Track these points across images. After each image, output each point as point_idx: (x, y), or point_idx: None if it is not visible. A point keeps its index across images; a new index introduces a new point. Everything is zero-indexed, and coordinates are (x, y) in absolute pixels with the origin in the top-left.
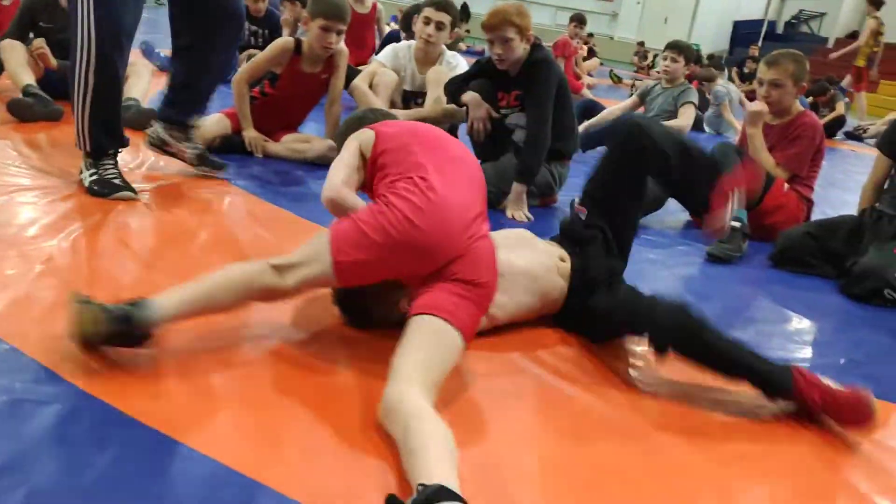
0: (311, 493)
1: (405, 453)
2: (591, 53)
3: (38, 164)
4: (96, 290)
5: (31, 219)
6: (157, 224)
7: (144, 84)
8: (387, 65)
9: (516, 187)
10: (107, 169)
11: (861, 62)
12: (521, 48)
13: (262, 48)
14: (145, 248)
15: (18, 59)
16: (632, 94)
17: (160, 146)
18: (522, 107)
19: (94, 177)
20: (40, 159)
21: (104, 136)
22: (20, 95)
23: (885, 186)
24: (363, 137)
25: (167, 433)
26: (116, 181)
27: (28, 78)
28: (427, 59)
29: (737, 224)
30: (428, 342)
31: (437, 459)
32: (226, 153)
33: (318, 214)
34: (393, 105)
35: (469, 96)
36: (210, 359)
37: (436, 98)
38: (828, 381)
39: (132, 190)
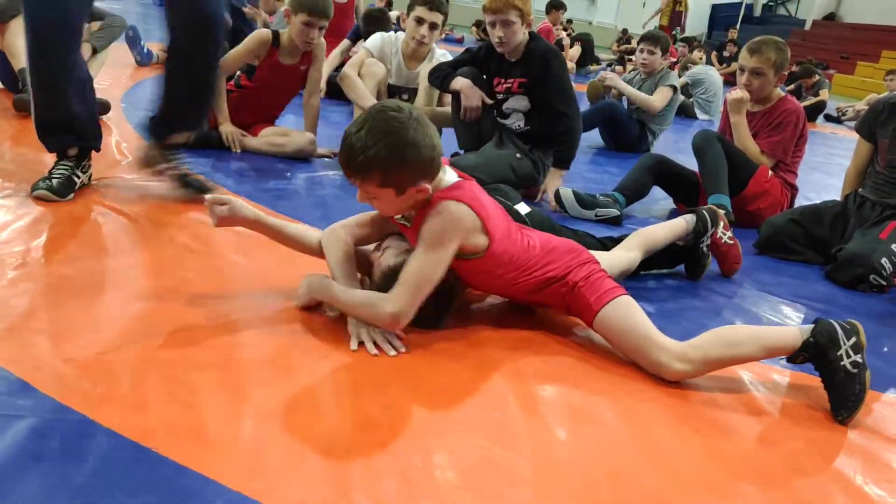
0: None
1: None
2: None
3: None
4: (70, 294)
5: (2, 223)
6: (132, 225)
7: (101, 61)
8: (374, 54)
9: (555, 171)
10: (55, 169)
11: (665, 21)
12: (521, 32)
13: None
14: (119, 250)
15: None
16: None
17: (148, 164)
18: (524, 92)
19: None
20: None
21: (46, 136)
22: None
23: (868, 171)
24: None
25: (149, 446)
26: (48, 180)
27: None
28: (415, 55)
29: (720, 212)
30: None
31: None
32: (202, 148)
33: (298, 210)
34: (379, 97)
35: (461, 83)
36: (189, 369)
37: (426, 96)
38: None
39: (54, 193)
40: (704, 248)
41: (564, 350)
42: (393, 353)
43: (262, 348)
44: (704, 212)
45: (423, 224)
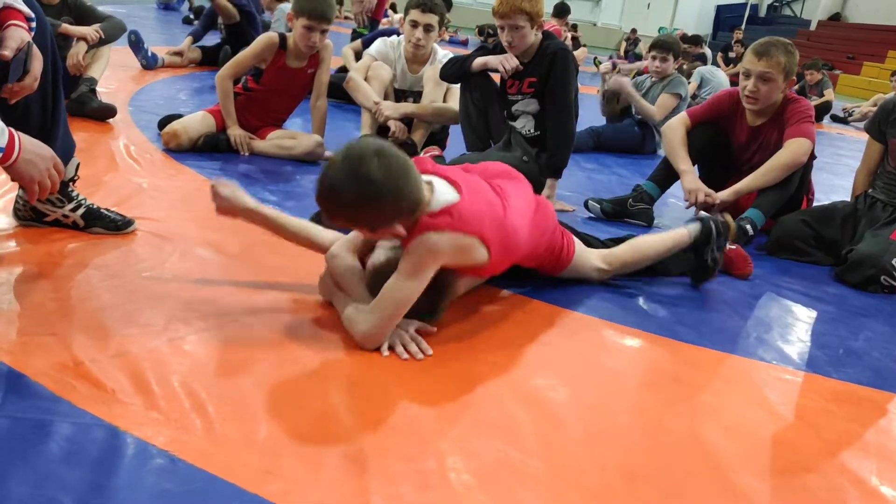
0: None
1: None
2: (577, 43)
3: None
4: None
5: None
6: (138, 231)
7: (104, 64)
8: (377, 59)
9: (551, 183)
10: None
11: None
12: (532, 35)
13: None
14: (124, 250)
15: None
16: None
17: (36, 218)
18: (534, 94)
19: None
20: None
21: None
22: None
23: (878, 172)
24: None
25: (164, 448)
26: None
27: None
28: (417, 59)
29: (750, 230)
30: None
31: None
32: (210, 152)
33: (306, 212)
34: (386, 98)
35: (486, 57)
36: (200, 368)
37: (431, 97)
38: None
39: None
40: (710, 260)
41: (573, 348)
42: (420, 356)
43: (277, 350)
44: (711, 223)
45: (405, 250)
